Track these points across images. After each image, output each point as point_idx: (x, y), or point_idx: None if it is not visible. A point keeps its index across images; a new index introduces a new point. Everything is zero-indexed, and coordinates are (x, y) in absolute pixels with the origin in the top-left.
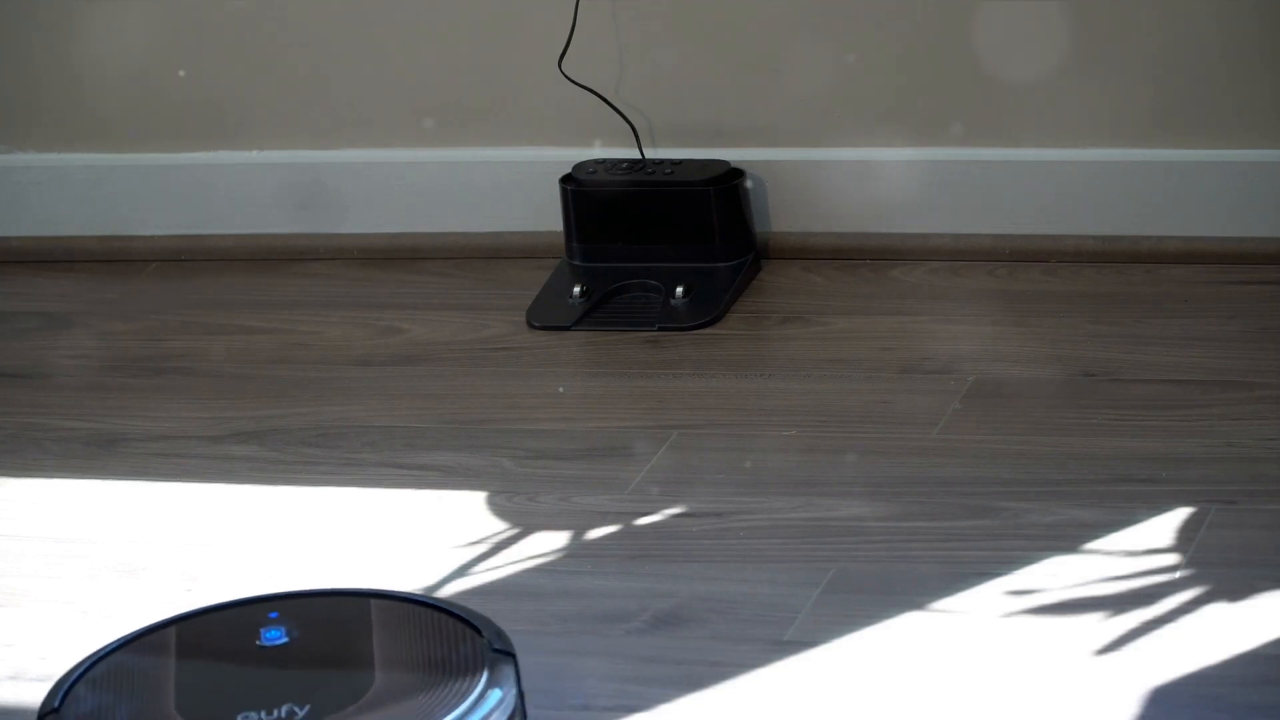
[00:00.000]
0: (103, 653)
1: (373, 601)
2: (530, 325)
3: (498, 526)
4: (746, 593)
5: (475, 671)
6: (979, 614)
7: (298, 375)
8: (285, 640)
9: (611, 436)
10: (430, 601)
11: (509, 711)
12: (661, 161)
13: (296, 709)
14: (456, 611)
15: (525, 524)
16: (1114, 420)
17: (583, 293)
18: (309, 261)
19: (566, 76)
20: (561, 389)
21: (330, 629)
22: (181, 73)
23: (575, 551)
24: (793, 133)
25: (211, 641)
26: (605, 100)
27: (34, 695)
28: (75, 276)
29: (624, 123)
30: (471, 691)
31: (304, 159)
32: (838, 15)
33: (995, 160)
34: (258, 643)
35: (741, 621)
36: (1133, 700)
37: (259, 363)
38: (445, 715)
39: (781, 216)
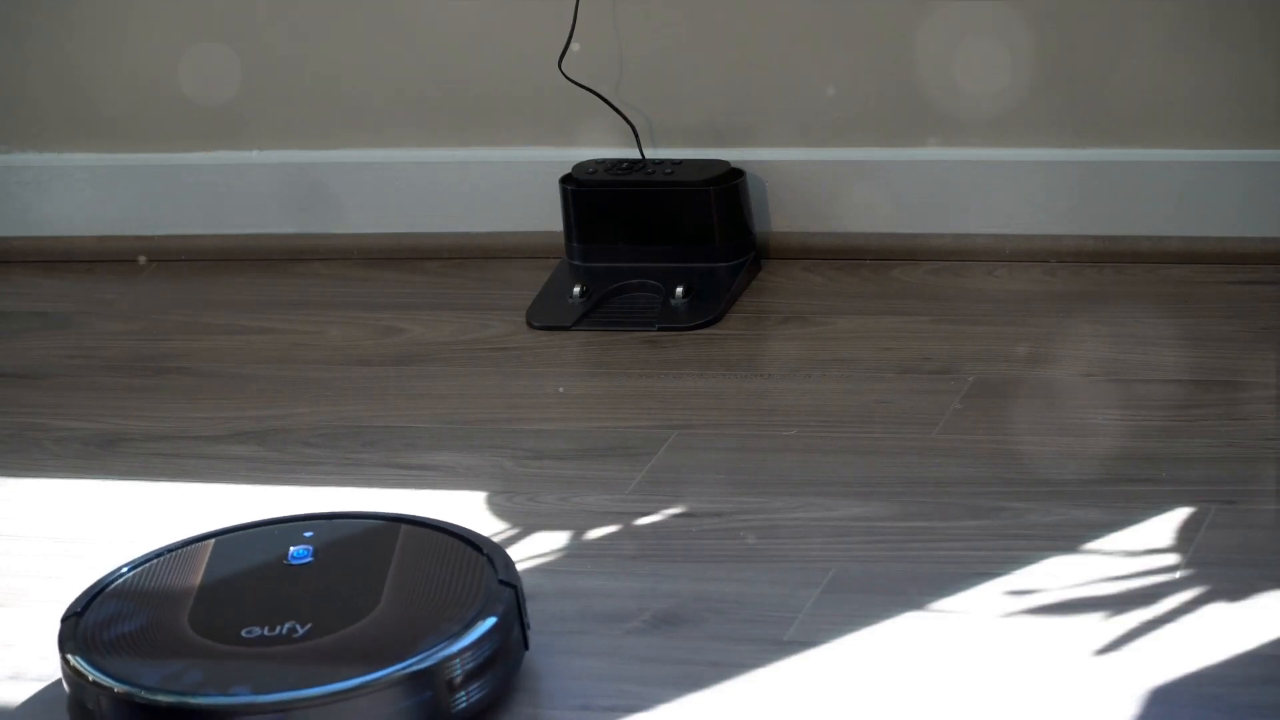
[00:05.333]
0: (137, 562)
1: (403, 527)
2: (530, 325)
3: (498, 526)
4: (746, 593)
5: (474, 600)
6: (979, 614)
7: (298, 375)
8: (310, 559)
9: (611, 436)
10: (455, 530)
11: (501, 639)
12: (661, 161)
13: (298, 626)
14: (476, 542)
15: (525, 524)
16: (1114, 420)
17: (583, 293)
18: (309, 261)
19: (566, 76)
20: (561, 389)
21: (354, 551)
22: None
23: (575, 551)
24: (793, 133)
25: (242, 557)
26: (605, 100)
27: (34, 695)
28: (75, 276)
29: (624, 123)
30: (464, 619)
31: (304, 159)
32: (838, 15)
33: (995, 160)
34: (284, 560)
35: (741, 621)
36: (1133, 700)
37: (259, 363)
38: (433, 639)
39: (781, 216)
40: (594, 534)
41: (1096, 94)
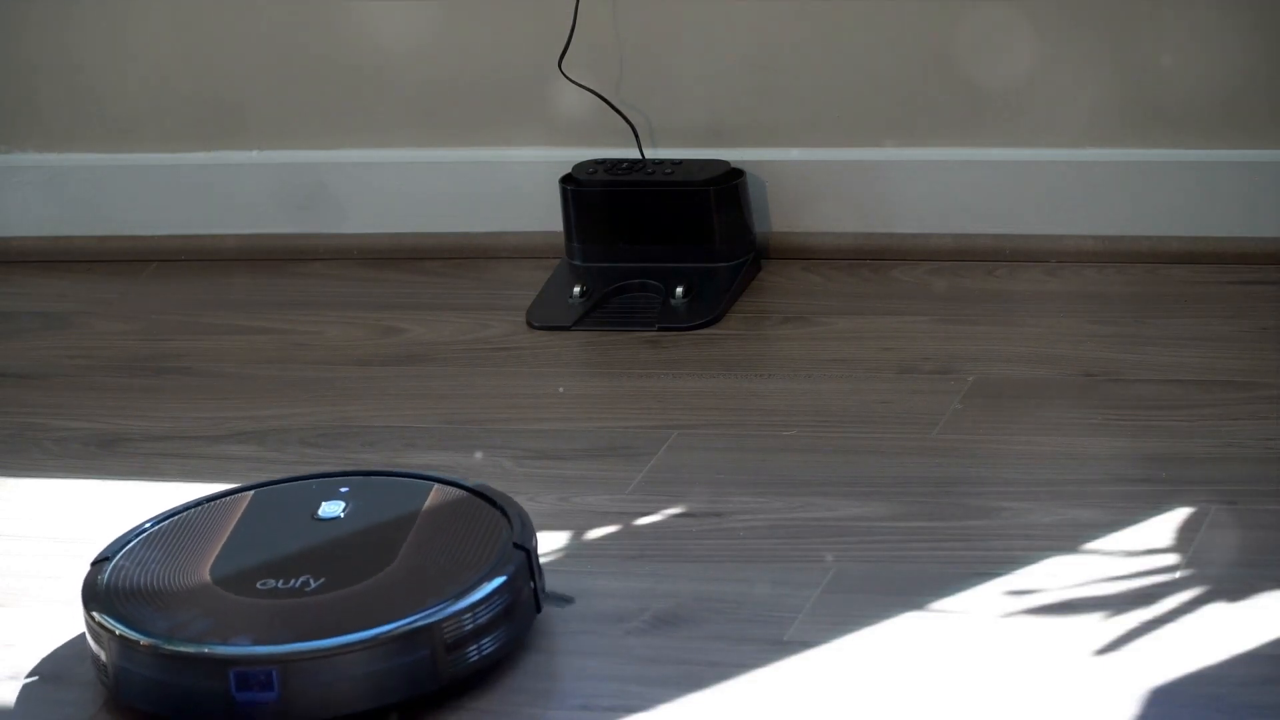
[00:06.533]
0: (175, 510)
1: (435, 486)
2: (530, 325)
3: None
4: (746, 593)
5: (485, 562)
6: (979, 614)
7: (298, 375)
8: (339, 515)
9: (611, 436)
10: (483, 492)
11: (506, 602)
12: (661, 161)
13: (311, 580)
14: (500, 504)
15: None
16: (1114, 420)
17: (583, 293)
18: (309, 261)
19: (566, 76)
20: (561, 389)
21: (383, 508)
22: (182, 91)
23: (575, 551)
24: (793, 133)
25: (276, 510)
26: (605, 100)
27: (34, 695)
28: (75, 276)
29: (624, 123)
30: (470, 580)
31: (304, 159)
32: (838, 15)
33: (995, 160)
34: (315, 515)
35: (741, 621)
36: (1133, 700)
37: (259, 363)
38: (433, 599)
39: (781, 216)
40: (594, 534)
41: (1096, 94)
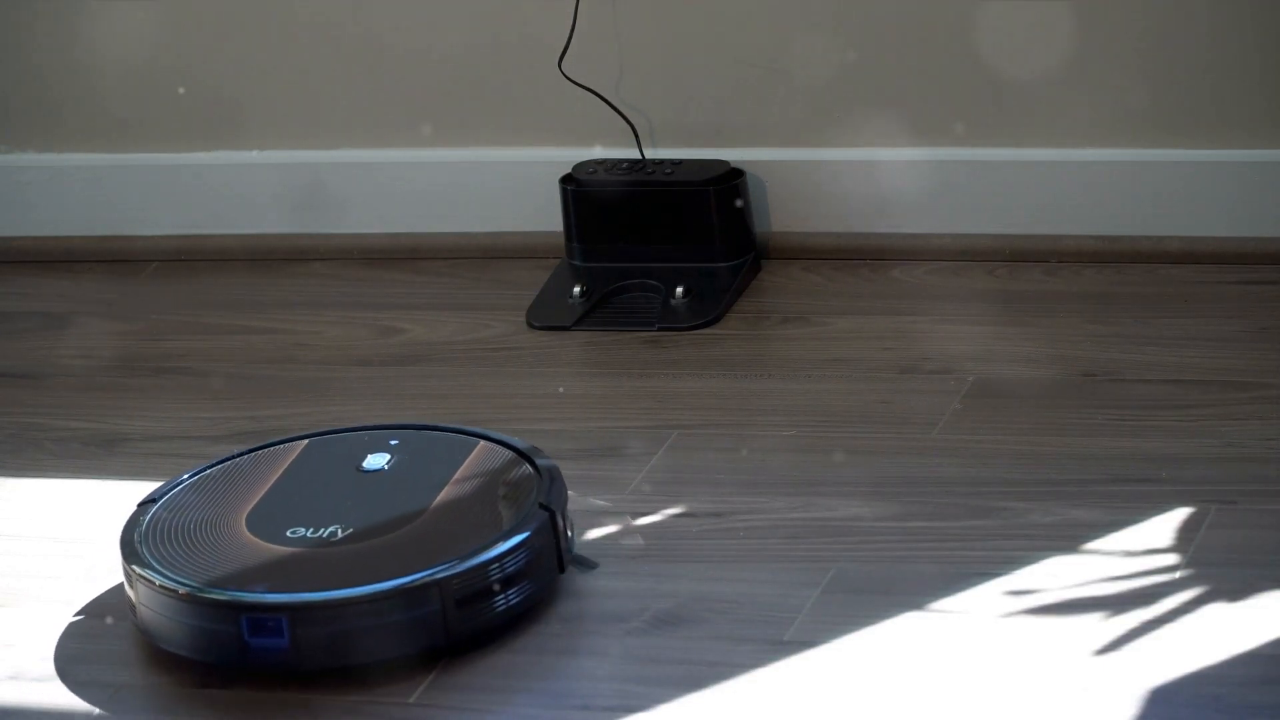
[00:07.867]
0: (229, 456)
1: (480, 443)
2: (530, 325)
3: None
4: (746, 593)
5: (507, 520)
6: (979, 614)
7: (298, 375)
8: (383, 467)
9: (611, 436)
10: (524, 451)
11: (524, 561)
12: (661, 161)
13: (340, 531)
14: (538, 464)
15: None
16: (1114, 420)
17: (583, 293)
18: (309, 261)
19: (566, 76)
20: (561, 389)
21: (425, 462)
22: (181, 90)
23: (575, 551)
24: (793, 133)
25: (324, 460)
26: (605, 100)
27: (34, 695)
28: (75, 276)
29: (624, 123)
30: (487, 539)
31: (304, 159)
32: (838, 14)
33: (995, 160)
34: (359, 466)
35: (741, 621)
36: (1133, 700)
37: (259, 363)
38: (446, 556)
39: (781, 216)
40: (594, 534)
41: (1095, 94)
